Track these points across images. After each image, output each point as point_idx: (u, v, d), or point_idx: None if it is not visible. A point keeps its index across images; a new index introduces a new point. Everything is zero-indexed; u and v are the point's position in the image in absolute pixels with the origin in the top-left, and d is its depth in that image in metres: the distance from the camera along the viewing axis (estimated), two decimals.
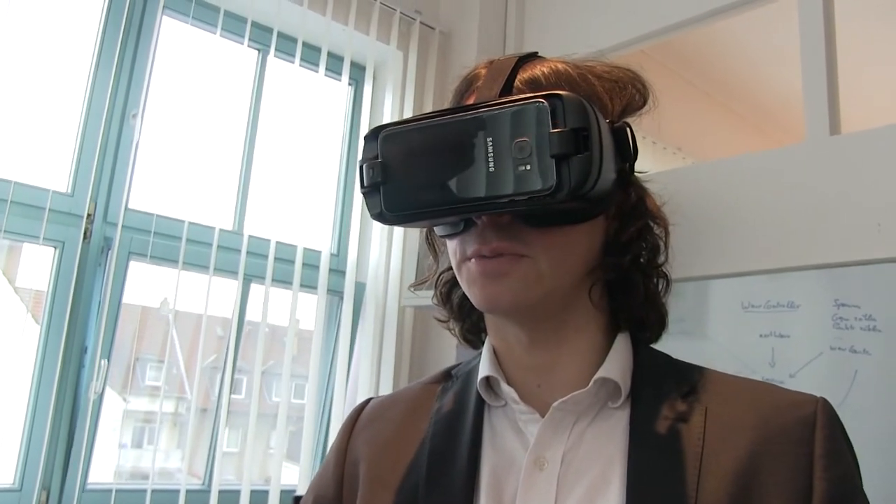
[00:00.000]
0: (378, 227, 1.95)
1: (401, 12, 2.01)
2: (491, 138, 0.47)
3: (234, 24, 1.78)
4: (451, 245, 0.55)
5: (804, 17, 1.50)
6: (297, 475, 1.75)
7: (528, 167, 0.46)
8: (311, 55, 1.87)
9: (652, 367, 0.57)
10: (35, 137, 1.53)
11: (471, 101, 0.55)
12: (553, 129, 0.46)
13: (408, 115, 2.00)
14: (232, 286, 1.70)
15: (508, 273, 0.51)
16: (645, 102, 0.58)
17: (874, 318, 1.26)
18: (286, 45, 1.86)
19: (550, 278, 0.52)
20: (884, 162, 1.32)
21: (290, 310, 1.75)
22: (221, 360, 1.73)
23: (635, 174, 0.56)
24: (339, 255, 1.97)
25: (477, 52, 2.04)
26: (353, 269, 1.88)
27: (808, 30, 1.49)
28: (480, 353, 0.61)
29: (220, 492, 1.60)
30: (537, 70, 0.54)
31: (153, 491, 1.50)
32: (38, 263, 1.46)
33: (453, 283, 0.62)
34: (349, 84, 2.04)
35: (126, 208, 1.57)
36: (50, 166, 1.48)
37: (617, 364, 0.55)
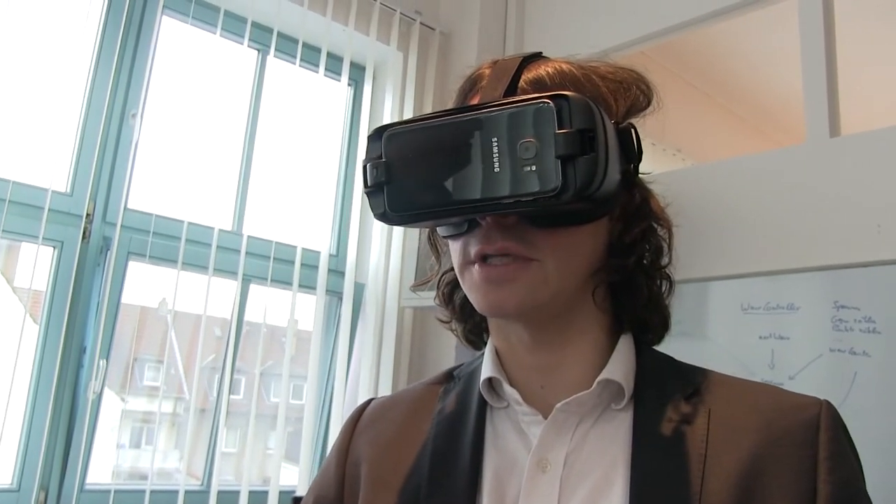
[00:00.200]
0: (377, 228, 1.95)
1: (401, 13, 2.01)
2: (496, 139, 0.47)
3: (234, 24, 1.78)
4: (455, 246, 0.55)
5: (804, 19, 1.50)
6: (297, 476, 1.75)
7: (534, 168, 0.46)
8: (311, 55, 1.87)
9: (655, 368, 0.57)
10: (34, 137, 1.52)
11: (475, 102, 0.55)
12: (559, 129, 0.46)
13: (408, 115, 2.00)
14: (230, 286, 1.70)
15: (514, 279, 0.51)
16: (649, 103, 0.58)
17: (874, 320, 1.26)
18: (286, 45, 1.86)
19: (556, 280, 0.52)
20: (884, 164, 1.32)
21: (290, 310, 1.75)
22: (219, 360, 1.73)
23: (640, 175, 0.56)
24: (339, 255, 1.97)
25: (477, 52, 2.04)
26: (352, 270, 1.88)
27: (808, 31, 1.49)
28: (482, 354, 0.61)
29: (219, 492, 1.59)
30: (542, 70, 0.54)
31: (152, 491, 1.49)
32: (36, 263, 1.45)
33: (455, 284, 0.62)
34: (349, 84, 2.04)
35: (125, 208, 1.56)
36: (49, 166, 1.47)
37: (620, 366, 0.55)
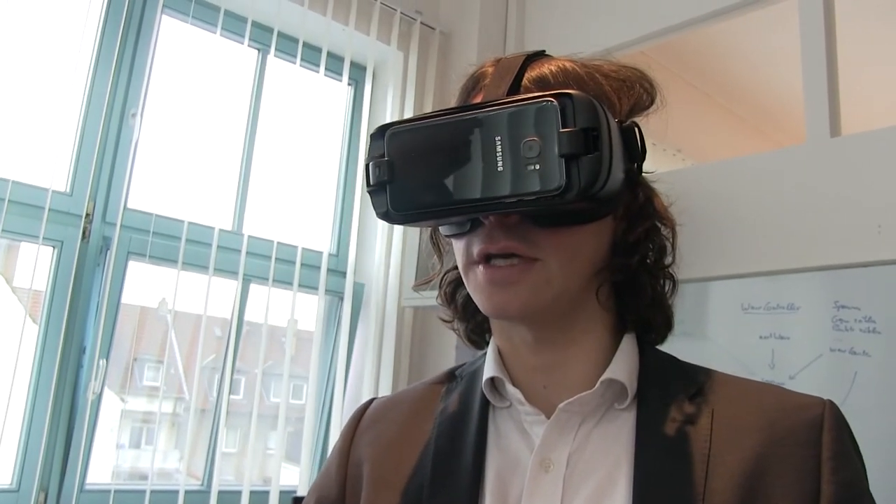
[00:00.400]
0: (378, 227, 1.95)
1: (401, 12, 2.01)
2: (499, 137, 0.47)
3: (234, 24, 1.78)
4: (458, 245, 0.55)
5: (805, 19, 1.50)
6: (298, 476, 1.74)
7: (538, 167, 0.45)
8: (311, 55, 1.87)
9: (658, 368, 0.56)
10: (34, 136, 1.52)
11: (478, 100, 0.55)
12: (563, 128, 0.45)
13: (408, 115, 2.00)
14: (229, 286, 1.70)
15: (518, 281, 0.51)
16: (652, 102, 0.57)
17: (874, 320, 1.26)
18: (286, 44, 1.86)
19: (559, 280, 0.51)
20: (884, 164, 1.32)
21: (290, 310, 1.75)
22: (219, 360, 1.73)
23: (643, 174, 0.56)
24: (339, 255, 1.96)
25: (477, 52, 2.04)
26: (352, 270, 1.88)
27: (808, 31, 1.49)
28: (485, 354, 0.61)
29: (220, 492, 1.59)
30: (545, 69, 0.54)
31: (152, 491, 1.49)
32: (36, 263, 1.45)
33: (458, 283, 0.62)
34: (349, 84, 2.04)
35: (125, 208, 1.56)
36: (49, 165, 1.47)
37: (623, 365, 0.55)
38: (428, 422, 0.60)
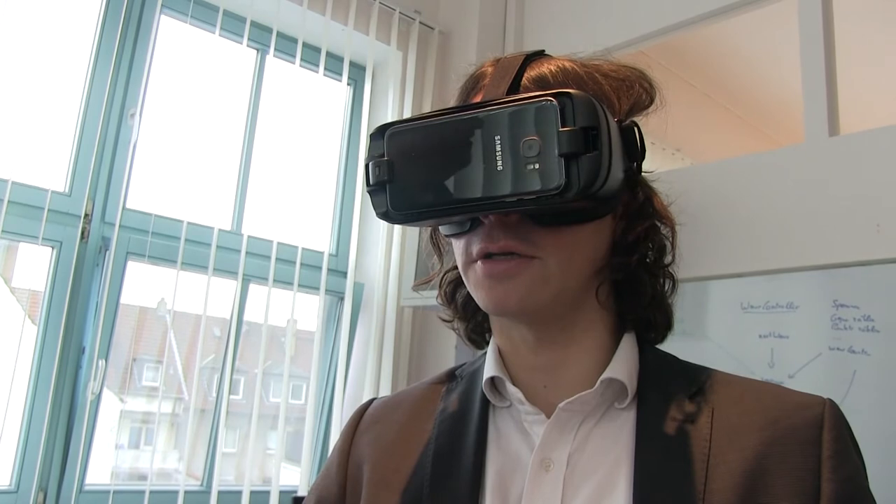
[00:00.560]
0: (377, 227, 1.95)
1: (400, 12, 2.01)
2: (499, 137, 0.47)
3: (233, 24, 1.78)
4: (458, 245, 0.55)
5: (804, 19, 1.50)
6: (296, 476, 1.74)
7: (537, 166, 0.46)
8: (310, 55, 1.87)
9: (658, 367, 0.56)
10: (33, 137, 1.52)
11: (478, 100, 0.55)
12: (562, 127, 0.45)
13: (407, 114, 2.00)
14: (228, 286, 1.70)
15: (516, 275, 0.51)
16: (652, 101, 0.57)
17: (873, 319, 1.27)
18: (285, 44, 1.86)
19: (558, 279, 0.51)
20: (883, 163, 1.32)
21: (290, 310, 1.75)
22: (218, 360, 1.73)
23: (643, 174, 0.56)
24: (338, 255, 1.96)
25: (476, 51, 2.04)
26: (352, 269, 1.88)
27: (807, 31, 1.49)
28: (485, 354, 0.61)
29: (220, 492, 1.59)
30: (544, 68, 0.54)
31: (151, 492, 1.49)
32: (35, 263, 1.45)
33: (458, 283, 0.62)
34: (348, 84, 2.04)
35: (124, 208, 1.56)
36: (47, 166, 1.47)
37: (623, 364, 0.55)
38: (428, 422, 0.60)
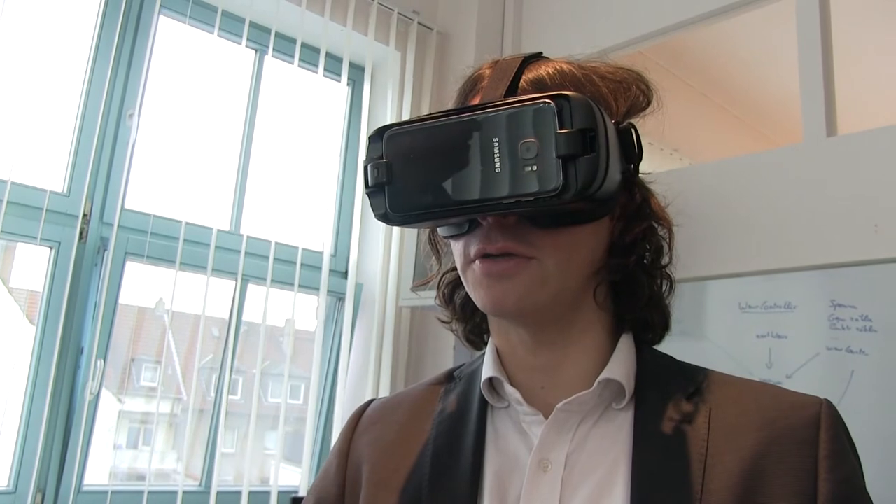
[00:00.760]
0: (376, 228, 1.95)
1: (399, 12, 2.01)
2: (497, 139, 0.47)
3: (231, 24, 1.78)
4: (457, 246, 0.55)
5: (801, 20, 1.50)
6: (294, 476, 1.74)
7: (535, 167, 0.46)
8: (309, 55, 1.87)
9: (656, 368, 0.57)
10: (31, 137, 1.52)
11: (476, 102, 0.55)
12: (560, 129, 0.46)
13: (406, 115, 2.00)
14: (226, 286, 1.70)
15: (514, 275, 0.51)
16: (649, 103, 0.58)
17: (870, 319, 1.27)
18: (284, 45, 1.86)
19: (556, 279, 0.52)
20: (881, 163, 1.33)
21: (288, 310, 1.75)
22: (217, 360, 1.73)
23: (640, 175, 0.56)
24: (337, 255, 1.97)
25: (475, 52, 2.04)
26: (353, 270, 1.88)
27: (805, 32, 1.49)
28: (483, 355, 0.61)
29: (218, 493, 1.59)
30: (542, 70, 0.54)
31: (150, 492, 1.49)
32: (33, 264, 1.45)
33: (456, 284, 0.62)
34: (347, 84, 2.04)
35: (122, 208, 1.56)
36: (46, 166, 1.47)
37: (621, 365, 0.55)
38: (426, 422, 0.60)
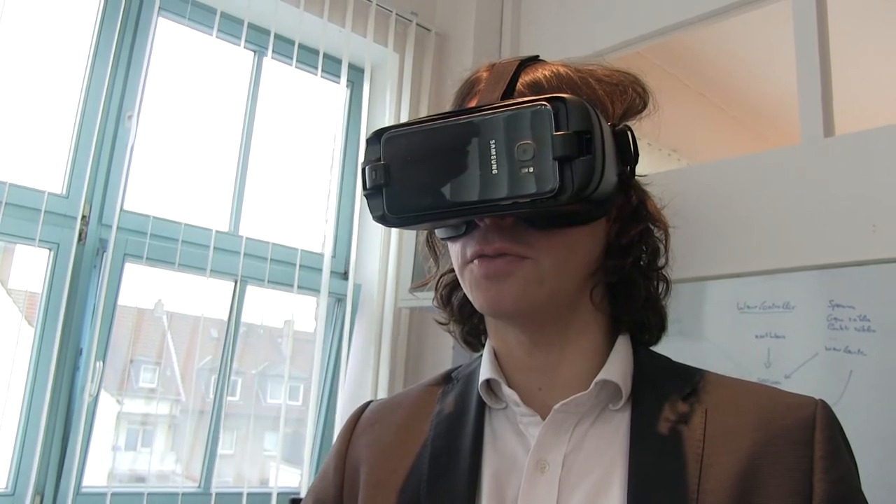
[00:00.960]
0: (375, 229, 1.95)
1: (397, 14, 2.01)
2: (494, 141, 0.47)
3: (230, 26, 1.78)
4: (454, 248, 0.55)
5: (798, 20, 1.51)
6: (298, 478, 1.74)
7: (531, 170, 0.46)
8: (307, 57, 1.87)
9: (652, 369, 0.57)
10: (30, 139, 1.52)
11: (473, 104, 0.55)
12: (556, 131, 0.46)
13: (405, 116, 2.00)
14: (225, 287, 1.70)
15: (511, 274, 0.51)
16: (645, 106, 0.58)
17: (868, 319, 1.27)
18: (283, 46, 1.86)
19: (552, 280, 0.52)
20: (878, 163, 1.33)
21: (288, 311, 1.75)
22: (216, 361, 1.73)
23: (636, 177, 0.57)
24: (336, 256, 1.97)
25: (473, 53, 2.05)
26: (352, 271, 1.88)
27: (802, 33, 1.50)
28: (481, 356, 0.61)
29: (218, 494, 1.59)
30: (539, 73, 0.54)
31: (149, 494, 1.49)
32: (31, 265, 1.45)
33: (454, 286, 0.62)
34: (346, 86, 2.04)
35: (121, 210, 1.56)
36: (45, 168, 1.47)
37: (617, 366, 0.55)
38: (425, 424, 0.61)
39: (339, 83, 1.93)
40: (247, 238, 1.71)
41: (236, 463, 1.75)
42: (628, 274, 0.56)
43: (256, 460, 1.85)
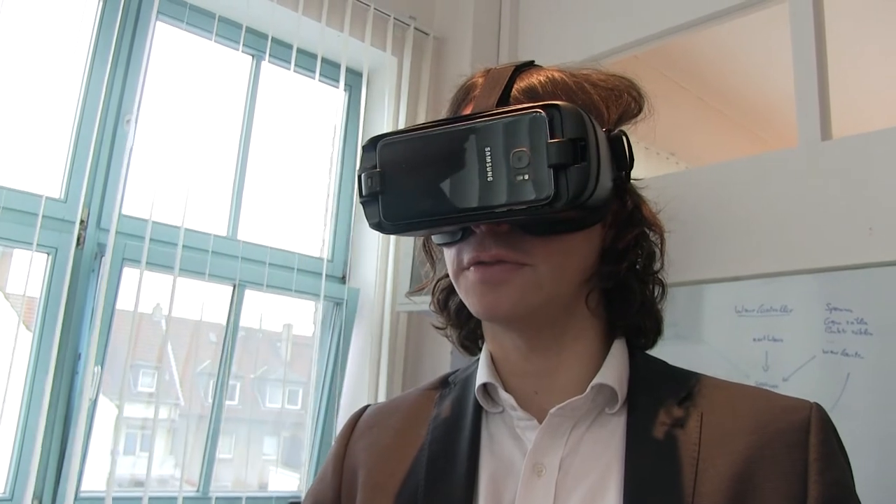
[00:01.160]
0: (373, 233, 1.95)
1: (395, 18, 2.01)
2: (489, 148, 0.47)
3: (228, 30, 1.78)
4: (449, 254, 0.56)
5: (795, 23, 1.51)
6: (297, 482, 1.74)
7: (526, 177, 0.46)
8: (305, 61, 1.87)
9: (648, 373, 0.57)
10: (28, 143, 1.52)
11: (468, 111, 0.56)
12: (551, 139, 0.46)
13: (403, 120, 2.00)
14: (223, 292, 1.70)
15: (507, 281, 0.51)
16: (641, 110, 0.58)
17: (866, 322, 1.27)
18: (281, 50, 1.87)
19: (550, 285, 0.52)
20: (875, 166, 1.34)
21: (288, 316, 1.75)
22: (214, 366, 1.73)
23: (631, 182, 0.57)
24: (334, 260, 1.97)
25: (471, 57, 2.05)
26: (347, 275, 1.89)
27: (799, 36, 1.50)
28: (478, 360, 0.61)
29: (217, 499, 1.59)
30: (534, 79, 0.55)
31: (149, 498, 1.49)
32: (29, 270, 1.45)
33: (450, 291, 0.63)
34: (344, 90, 2.04)
35: (120, 214, 1.56)
36: (43, 172, 1.47)
37: (613, 370, 0.56)
38: (422, 428, 0.61)
39: (337, 87, 1.93)
40: (245, 242, 1.72)
41: (235, 467, 1.75)
42: (624, 278, 0.56)
43: (255, 464, 1.84)
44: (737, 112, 2.83)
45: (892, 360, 1.23)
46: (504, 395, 0.57)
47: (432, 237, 0.59)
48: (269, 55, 1.82)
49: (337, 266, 1.95)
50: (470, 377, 0.62)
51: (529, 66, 0.57)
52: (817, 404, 0.54)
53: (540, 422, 0.55)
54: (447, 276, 0.60)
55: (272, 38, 1.82)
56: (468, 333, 0.64)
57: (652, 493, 0.50)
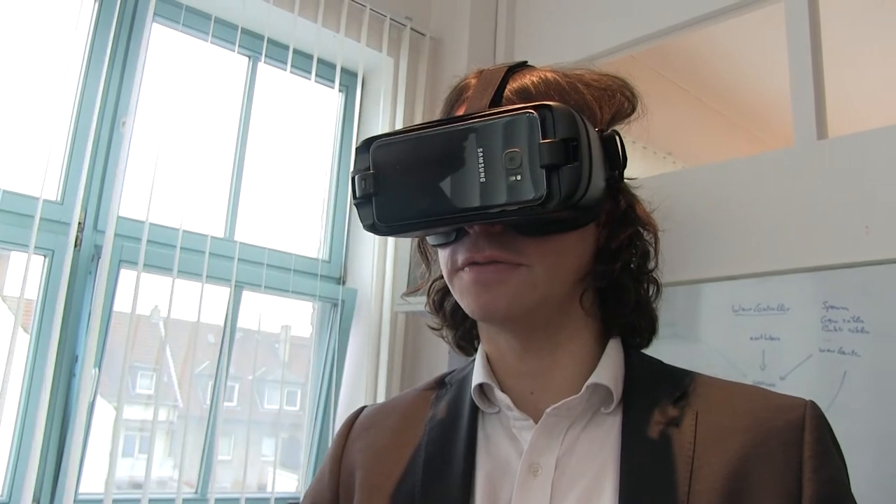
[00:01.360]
0: (370, 234, 1.95)
1: (391, 18, 2.01)
2: (482, 149, 0.48)
3: (224, 31, 1.78)
4: (443, 255, 0.56)
5: (791, 23, 1.52)
6: (296, 483, 1.74)
7: (519, 177, 0.46)
8: (301, 62, 1.87)
9: (643, 372, 0.57)
10: (24, 145, 1.52)
11: (461, 112, 0.56)
12: (543, 139, 0.46)
13: (399, 120, 2.00)
14: (221, 293, 1.70)
15: (502, 281, 0.51)
16: (634, 110, 0.58)
17: (862, 320, 1.28)
18: (277, 51, 1.87)
19: (545, 285, 0.52)
20: (871, 165, 1.34)
21: (285, 317, 1.75)
22: (212, 367, 1.73)
23: (625, 181, 0.57)
24: (331, 261, 1.97)
25: (467, 58, 2.05)
26: (345, 276, 1.89)
27: (794, 35, 1.51)
28: (473, 361, 0.62)
29: (216, 500, 1.59)
30: (527, 80, 0.55)
31: (148, 500, 1.49)
32: (26, 272, 1.44)
33: (446, 291, 0.63)
34: (340, 90, 2.04)
35: (117, 216, 1.56)
36: (39, 174, 1.47)
37: (609, 370, 0.56)
38: (418, 428, 0.61)
39: (333, 88, 1.93)
40: (242, 243, 1.71)
41: (234, 468, 1.75)
42: (618, 278, 0.57)
43: (254, 465, 1.84)
44: (734, 112, 2.84)
45: (889, 359, 1.23)
46: (500, 396, 0.57)
47: (427, 238, 0.59)
48: (266, 56, 1.82)
49: (334, 267, 1.95)
50: (466, 378, 0.62)
51: (522, 66, 0.57)
52: (812, 402, 0.54)
53: (536, 422, 0.55)
54: (442, 277, 0.60)
55: (268, 39, 1.82)
56: (464, 334, 0.64)
57: (647, 491, 0.50)
